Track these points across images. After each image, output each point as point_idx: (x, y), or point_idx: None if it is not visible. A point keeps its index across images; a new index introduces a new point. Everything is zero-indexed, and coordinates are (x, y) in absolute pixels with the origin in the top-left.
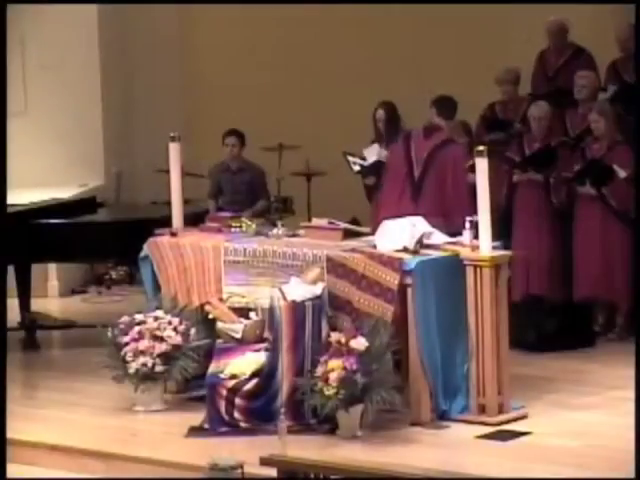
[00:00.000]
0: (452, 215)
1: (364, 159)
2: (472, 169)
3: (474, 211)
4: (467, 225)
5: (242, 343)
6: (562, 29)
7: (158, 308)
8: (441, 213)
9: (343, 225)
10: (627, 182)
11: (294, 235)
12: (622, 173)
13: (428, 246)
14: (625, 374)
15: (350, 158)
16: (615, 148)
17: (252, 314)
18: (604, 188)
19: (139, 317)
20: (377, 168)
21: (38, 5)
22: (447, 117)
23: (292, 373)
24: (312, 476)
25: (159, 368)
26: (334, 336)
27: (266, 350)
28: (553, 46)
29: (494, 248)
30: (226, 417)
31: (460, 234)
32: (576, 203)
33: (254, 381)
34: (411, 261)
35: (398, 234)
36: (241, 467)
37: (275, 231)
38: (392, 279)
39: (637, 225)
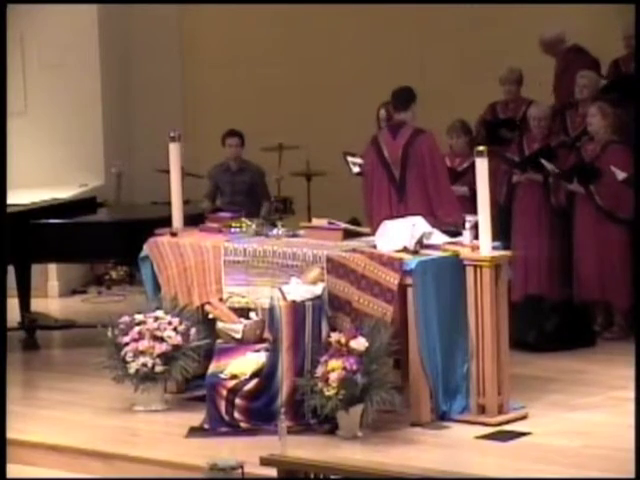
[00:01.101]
0: (437, 206)
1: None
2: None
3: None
4: (467, 225)
5: (242, 343)
6: (559, 41)
7: (158, 308)
8: (429, 208)
9: (343, 225)
10: (624, 183)
11: (294, 235)
12: (620, 175)
13: (428, 246)
14: (625, 374)
15: (350, 159)
16: (609, 148)
17: (252, 314)
18: (591, 186)
19: (139, 317)
20: None
21: (38, 5)
22: (401, 109)
23: (292, 373)
24: (312, 476)
25: (159, 368)
26: (334, 336)
27: (266, 350)
28: (555, 56)
29: (494, 248)
30: (226, 417)
31: (458, 232)
32: (574, 203)
33: (254, 381)
34: (411, 261)
35: (398, 234)
36: (241, 467)
37: (275, 231)
38: (392, 279)
39: (637, 225)
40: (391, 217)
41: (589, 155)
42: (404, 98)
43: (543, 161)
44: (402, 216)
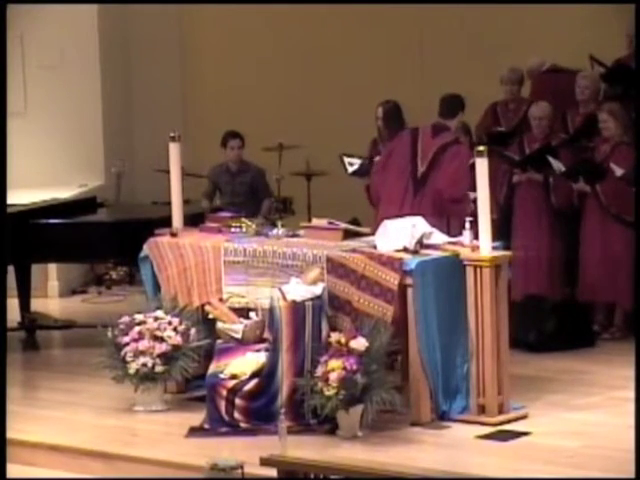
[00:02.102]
0: (449, 208)
1: (367, 158)
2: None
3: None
4: (467, 225)
5: (242, 343)
6: (541, 67)
7: (158, 308)
8: (440, 209)
9: (343, 225)
10: (623, 181)
11: (294, 235)
12: (618, 171)
13: (428, 246)
14: (625, 374)
15: (347, 159)
16: (617, 148)
17: (252, 314)
18: (597, 185)
19: (139, 317)
20: None
21: (38, 5)
22: (447, 116)
23: (292, 373)
24: (312, 476)
25: (159, 368)
26: (334, 336)
27: (266, 350)
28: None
29: (494, 248)
30: (226, 417)
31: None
32: (583, 202)
33: (254, 381)
34: (411, 261)
35: (398, 234)
36: (241, 467)
37: (275, 231)
38: (392, 279)
39: (637, 225)
40: (401, 208)
41: (600, 155)
42: (452, 106)
43: (550, 158)
44: (413, 211)
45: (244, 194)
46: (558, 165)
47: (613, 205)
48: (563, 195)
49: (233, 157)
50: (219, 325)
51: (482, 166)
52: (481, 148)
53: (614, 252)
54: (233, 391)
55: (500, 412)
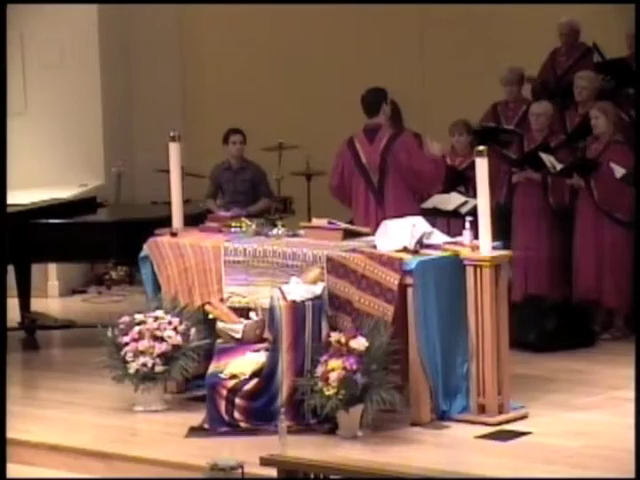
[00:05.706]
0: (423, 188)
1: None
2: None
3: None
4: (467, 225)
5: (242, 343)
6: (573, 30)
7: (158, 308)
8: (410, 211)
9: (343, 225)
10: (623, 181)
11: (294, 235)
12: (618, 172)
13: (428, 246)
14: (625, 374)
15: None
16: (611, 147)
17: (252, 314)
18: (592, 181)
19: (139, 317)
20: None
21: (38, 5)
22: (372, 114)
23: (292, 373)
24: (312, 476)
25: (159, 368)
26: (334, 336)
27: (266, 350)
28: (565, 46)
29: (494, 248)
30: (226, 417)
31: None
32: (576, 202)
33: (254, 381)
34: (411, 261)
35: (398, 234)
36: (241, 467)
37: (275, 231)
38: (392, 279)
39: (637, 225)
40: (369, 221)
41: (592, 153)
42: (372, 102)
43: (542, 155)
44: (380, 221)
45: (245, 192)
46: (551, 161)
47: (605, 202)
48: (561, 195)
49: (235, 152)
50: (219, 325)
51: (482, 166)
52: (481, 148)
53: (607, 253)
54: (233, 391)
55: (500, 412)
